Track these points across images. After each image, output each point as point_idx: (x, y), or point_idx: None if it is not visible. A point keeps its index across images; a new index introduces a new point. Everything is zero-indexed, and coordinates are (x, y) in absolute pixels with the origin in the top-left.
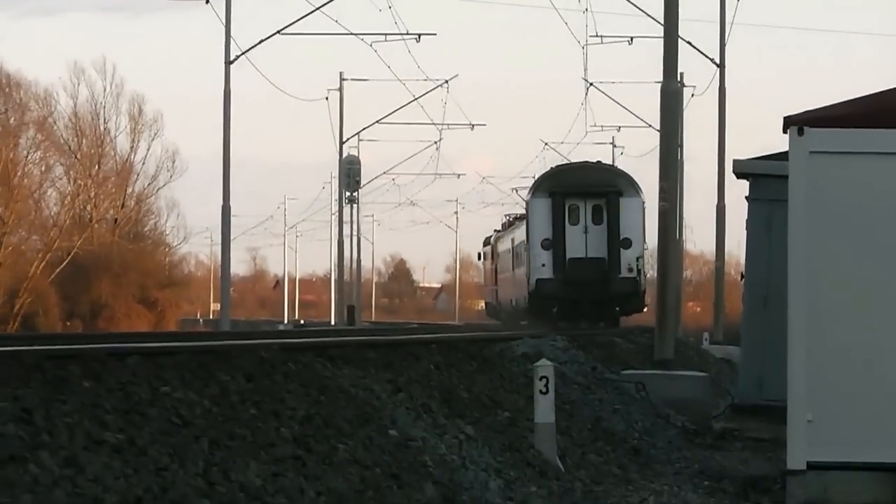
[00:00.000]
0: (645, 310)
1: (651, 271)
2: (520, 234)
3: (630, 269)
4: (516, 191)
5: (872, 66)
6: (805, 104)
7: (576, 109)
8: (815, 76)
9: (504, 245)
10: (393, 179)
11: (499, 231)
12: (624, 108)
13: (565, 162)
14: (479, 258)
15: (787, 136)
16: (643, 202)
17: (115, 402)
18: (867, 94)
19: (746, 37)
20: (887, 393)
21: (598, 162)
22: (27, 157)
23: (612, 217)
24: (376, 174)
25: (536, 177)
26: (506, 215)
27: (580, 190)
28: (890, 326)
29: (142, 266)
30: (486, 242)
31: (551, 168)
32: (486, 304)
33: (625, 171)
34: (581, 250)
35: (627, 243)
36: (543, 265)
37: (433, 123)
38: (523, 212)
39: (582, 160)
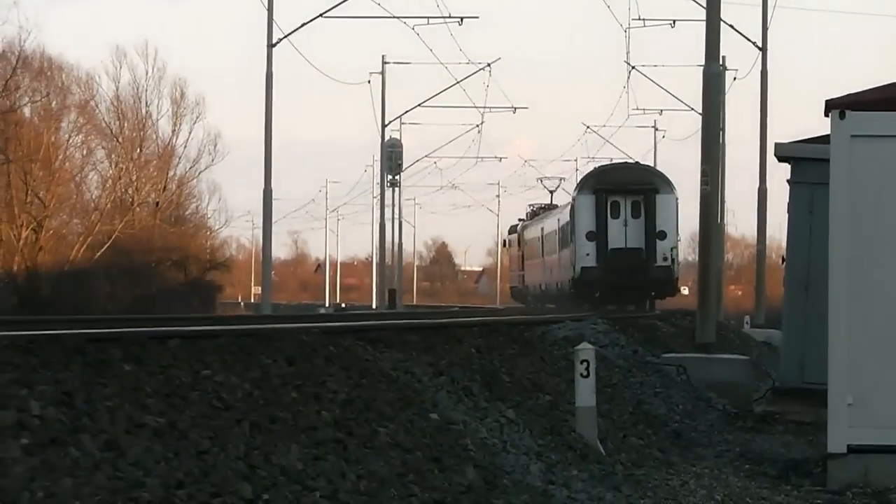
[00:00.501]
0: (680, 294)
1: (693, 255)
2: (550, 223)
3: (665, 259)
4: (542, 181)
5: None
6: (847, 87)
7: (618, 92)
8: (857, 59)
9: (532, 233)
10: (435, 163)
11: (524, 220)
12: (666, 91)
13: (608, 161)
14: (505, 245)
15: (828, 120)
16: (677, 199)
17: (156, 385)
18: None
19: (788, 20)
20: None
21: (637, 163)
22: (69, 140)
23: (649, 212)
24: (418, 157)
25: (580, 176)
26: (530, 205)
27: (621, 188)
28: None
29: (183, 249)
30: (512, 230)
31: (595, 168)
32: (511, 287)
33: (660, 171)
34: (621, 241)
35: (663, 235)
36: (588, 254)
37: (475, 106)
38: (547, 202)
39: (622, 160)
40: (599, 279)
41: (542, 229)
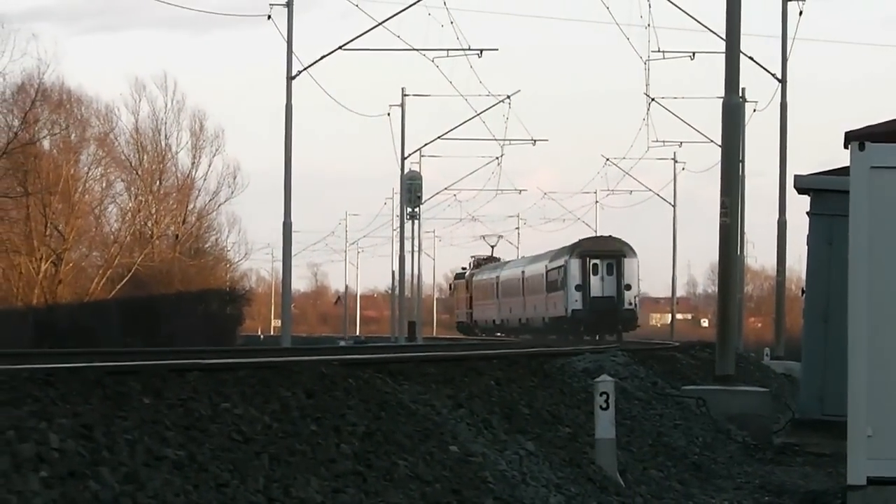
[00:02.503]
0: (640, 327)
1: (712, 287)
2: (532, 272)
3: (630, 303)
4: (484, 237)
5: None
6: (867, 119)
7: (638, 125)
8: (877, 91)
9: (483, 280)
10: (454, 195)
11: (465, 269)
12: (686, 123)
13: (591, 235)
14: (451, 288)
15: (848, 151)
16: (638, 261)
17: (175, 417)
18: None
19: (808, 51)
20: None
21: (610, 236)
22: (88, 173)
23: (619, 271)
24: (438, 190)
25: (567, 245)
26: (472, 257)
27: (599, 254)
28: None
29: (203, 282)
30: (459, 277)
31: (580, 239)
32: (458, 322)
33: (626, 241)
34: (600, 291)
35: (629, 287)
36: (576, 300)
37: (495, 139)
38: (488, 254)
39: (600, 234)
40: (584, 317)
41: (499, 277)
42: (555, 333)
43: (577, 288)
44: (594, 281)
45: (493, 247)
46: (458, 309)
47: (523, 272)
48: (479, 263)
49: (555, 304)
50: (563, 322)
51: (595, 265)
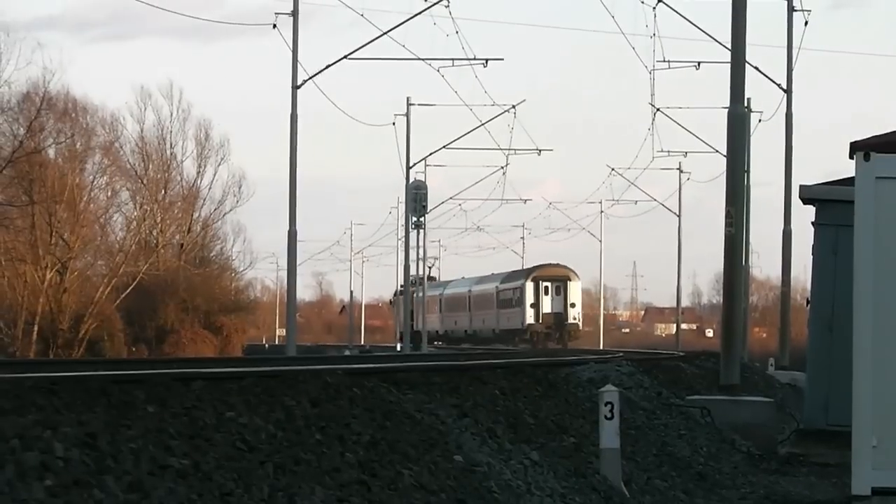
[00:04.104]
0: (582, 337)
1: (718, 296)
2: (481, 292)
3: (574, 318)
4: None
5: None
6: (872, 129)
7: (643, 134)
8: (883, 100)
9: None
10: (459, 205)
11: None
12: (691, 133)
13: (633, 203)
14: (391, 303)
15: (853, 162)
16: (580, 284)
17: (179, 426)
18: None
19: (813, 61)
20: None
21: (558, 263)
22: (93, 182)
23: (565, 291)
24: (443, 199)
25: (524, 269)
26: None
27: (549, 278)
28: None
29: (207, 291)
30: (399, 293)
31: (534, 266)
32: (400, 332)
33: (571, 267)
34: (549, 308)
35: (573, 305)
36: (530, 315)
37: (500, 149)
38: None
39: (550, 262)
40: (537, 329)
41: (442, 294)
42: (504, 343)
43: (532, 306)
44: (545, 300)
45: (430, 268)
46: (398, 321)
47: (470, 291)
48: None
49: (508, 319)
50: (517, 333)
51: (546, 287)
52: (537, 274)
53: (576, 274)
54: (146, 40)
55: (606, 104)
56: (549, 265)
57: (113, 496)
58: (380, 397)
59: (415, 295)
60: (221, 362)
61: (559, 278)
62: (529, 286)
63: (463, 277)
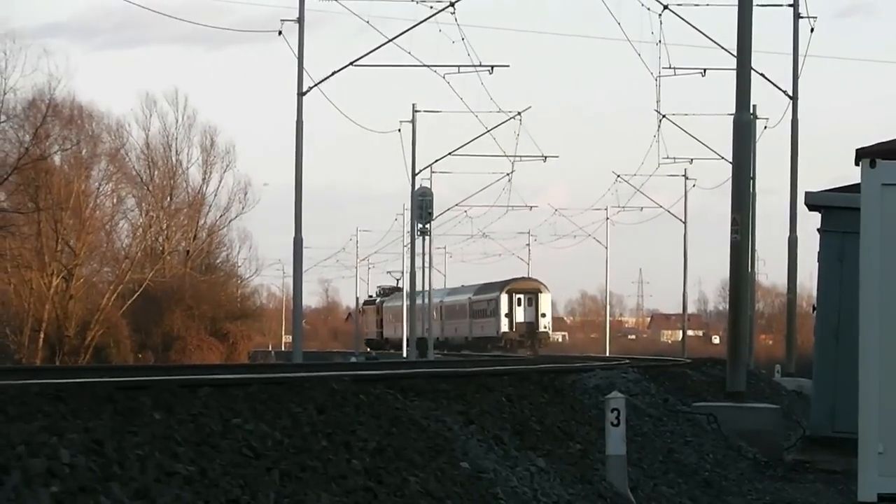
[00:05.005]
0: (554, 343)
1: (723, 303)
2: (455, 302)
3: (545, 326)
4: (390, 273)
5: None
6: (878, 136)
7: (648, 141)
8: (889, 107)
9: (393, 305)
10: (465, 211)
11: (373, 297)
12: (697, 139)
13: (638, 209)
14: (361, 311)
15: (859, 168)
16: (550, 295)
17: (186, 433)
18: None
19: (819, 68)
20: None
21: (531, 277)
22: (99, 188)
23: (536, 302)
24: (449, 206)
25: (500, 281)
26: (378, 286)
27: (522, 290)
28: None
29: (214, 298)
30: (369, 303)
31: (509, 279)
32: (367, 339)
33: (541, 281)
34: (522, 317)
35: (543, 315)
36: (506, 325)
37: (506, 155)
38: (394, 284)
39: (522, 276)
40: (511, 336)
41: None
42: (475, 349)
43: (506, 315)
44: (518, 310)
45: (398, 280)
46: (366, 328)
47: (442, 302)
48: (386, 293)
49: (483, 327)
50: (492, 340)
51: (519, 299)
52: (511, 287)
53: (546, 287)
54: (152, 47)
55: (612, 111)
56: (522, 279)
57: (119, 503)
58: (386, 404)
59: (382, 304)
60: (228, 369)
61: (531, 291)
62: (504, 298)
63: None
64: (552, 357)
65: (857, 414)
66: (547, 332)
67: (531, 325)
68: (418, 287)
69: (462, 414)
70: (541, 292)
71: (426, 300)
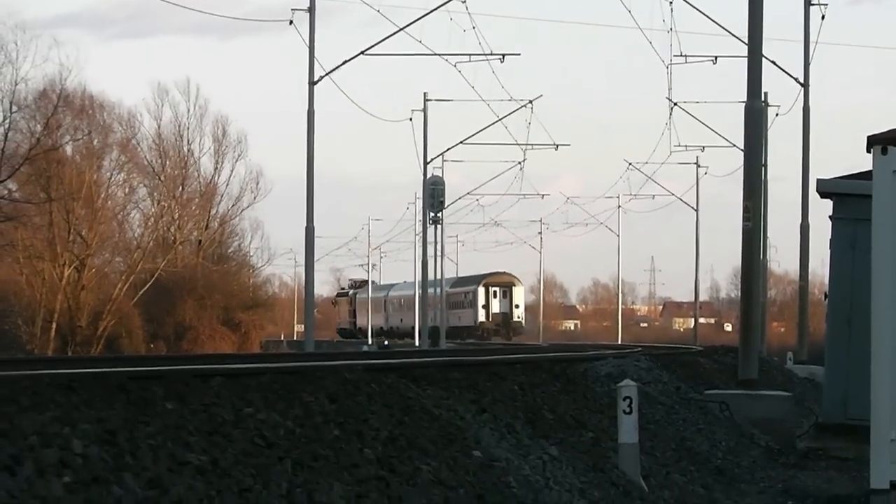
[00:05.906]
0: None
1: (735, 291)
2: (393, 292)
3: (518, 317)
4: (363, 266)
5: None
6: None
7: (660, 129)
8: None
9: (363, 297)
10: (477, 200)
11: (345, 289)
12: (708, 127)
13: (650, 197)
14: (334, 303)
15: (871, 155)
16: (523, 288)
17: (198, 423)
18: None
19: (831, 55)
20: None
21: (505, 272)
22: (111, 178)
23: (510, 295)
24: (460, 195)
25: (477, 275)
26: (350, 279)
27: (497, 284)
28: None
29: (225, 288)
30: (342, 294)
31: (485, 273)
32: (339, 328)
33: (515, 275)
34: (498, 308)
35: (517, 306)
36: (483, 315)
37: (517, 144)
38: (364, 278)
39: (499, 271)
40: (488, 326)
41: (388, 295)
42: (451, 338)
43: (483, 307)
44: (494, 302)
45: (369, 272)
46: (339, 318)
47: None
48: (358, 285)
49: (460, 318)
50: (469, 330)
51: (494, 291)
52: (487, 281)
53: (519, 281)
54: (164, 37)
55: (623, 99)
56: (497, 273)
57: (132, 493)
58: (398, 393)
59: (356, 296)
60: (240, 358)
61: (505, 284)
62: (481, 290)
63: (405, 282)
64: (564, 345)
65: (870, 401)
66: (520, 322)
67: (506, 316)
68: (461, 273)
69: (474, 402)
70: (514, 286)
71: (390, 294)
